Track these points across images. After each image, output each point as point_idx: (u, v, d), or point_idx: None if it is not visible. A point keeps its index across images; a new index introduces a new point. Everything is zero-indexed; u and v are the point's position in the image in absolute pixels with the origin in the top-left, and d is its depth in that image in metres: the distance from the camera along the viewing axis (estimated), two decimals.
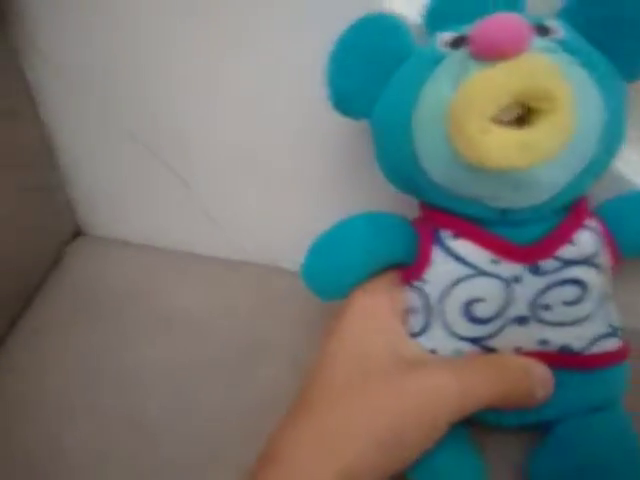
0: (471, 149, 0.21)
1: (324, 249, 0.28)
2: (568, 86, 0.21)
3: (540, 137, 0.20)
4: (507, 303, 0.25)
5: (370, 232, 0.27)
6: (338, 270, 0.27)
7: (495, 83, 0.20)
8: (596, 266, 0.25)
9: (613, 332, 0.25)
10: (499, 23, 0.21)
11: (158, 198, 0.39)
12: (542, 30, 0.23)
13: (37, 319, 0.37)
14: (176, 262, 0.39)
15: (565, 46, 0.23)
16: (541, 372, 0.24)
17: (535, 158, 0.20)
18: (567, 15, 0.24)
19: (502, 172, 0.21)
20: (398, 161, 0.25)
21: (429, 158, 0.23)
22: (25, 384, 0.34)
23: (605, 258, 0.25)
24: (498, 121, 0.21)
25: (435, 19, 0.26)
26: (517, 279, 0.24)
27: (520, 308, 0.25)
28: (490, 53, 0.21)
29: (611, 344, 0.25)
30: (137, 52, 0.34)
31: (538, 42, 0.22)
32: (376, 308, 0.26)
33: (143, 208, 0.40)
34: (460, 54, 0.23)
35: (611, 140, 0.23)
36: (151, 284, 0.38)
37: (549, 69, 0.21)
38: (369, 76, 0.25)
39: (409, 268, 0.26)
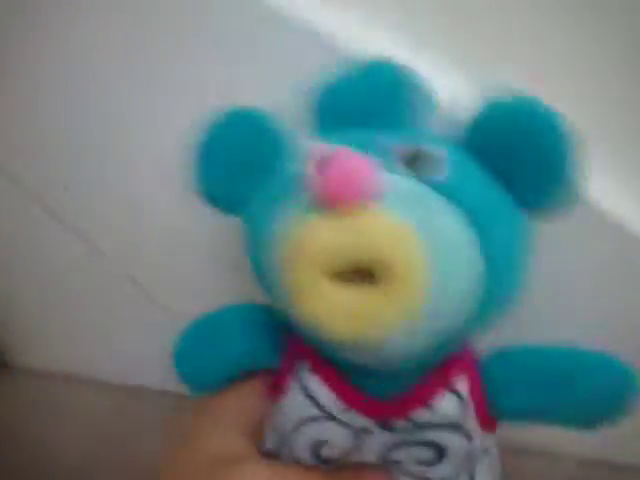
0: (298, 305, 0.18)
1: (202, 333, 0.25)
2: (418, 259, 0.17)
3: (371, 308, 0.17)
4: (356, 450, 0.22)
5: (243, 326, 0.25)
6: (206, 360, 0.25)
7: (321, 242, 0.17)
8: (459, 432, 0.21)
9: None
10: (337, 169, 0.17)
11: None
12: (421, 162, 0.19)
13: None
14: None
15: (443, 190, 0.19)
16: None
17: (368, 330, 0.17)
18: (466, 139, 0.20)
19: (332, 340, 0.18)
20: (257, 275, 0.23)
21: (272, 289, 0.21)
22: None
23: (472, 424, 0.21)
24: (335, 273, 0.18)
25: (322, 115, 0.22)
26: (367, 430, 0.22)
27: (370, 458, 0.22)
28: (321, 201, 0.17)
29: None
30: None
31: (404, 185, 0.18)
32: (223, 414, 0.25)
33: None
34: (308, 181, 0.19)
35: (495, 303, 0.20)
36: None
37: (392, 236, 0.17)
38: (238, 175, 0.22)
39: (272, 384, 0.24)
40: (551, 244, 0.22)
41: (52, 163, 0.32)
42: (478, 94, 0.20)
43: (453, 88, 0.22)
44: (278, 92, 0.23)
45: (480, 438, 0.22)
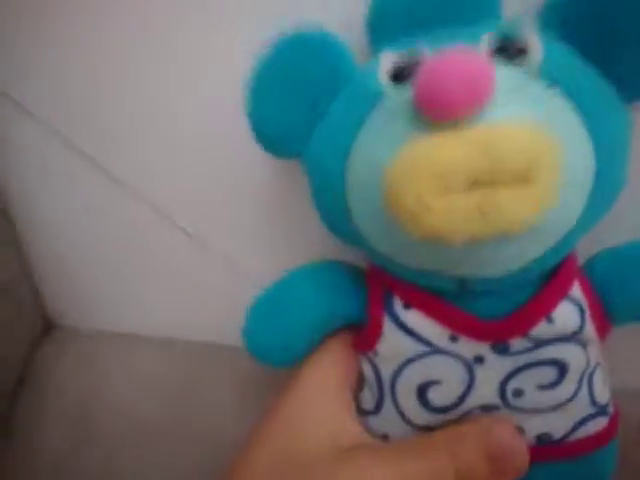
0: (412, 226, 0.16)
1: (267, 309, 0.23)
2: (554, 160, 0.16)
3: (504, 201, 0.15)
4: (470, 387, 0.20)
5: (316, 289, 0.23)
6: (281, 334, 0.23)
7: (443, 162, 0.15)
8: (579, 342, 0.20)
9: (599, 411, 0.21)
10: (448, 70, 0.15)
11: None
12: (513, 47, 0.18)
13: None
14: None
15: (542, 72, 0.17)
16: (503, 434, 0.19)
17: (500, 224, 0.16)
18: (551, 15, 0.19)
19: (455, 246, 0.16)
20: (334, 215, 0.21)
21: (365, 223, 0.19)
22: None
23: (590, 332, 0.20)
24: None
25: (381, 26, 0.20)
26: (480, 360, 0.20)
27: (485, 394, 0.20)
28: (437, 115, 0.16)
29: (597, 425, 0.21)
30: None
31: (505, 78, 0.17)
32: (320, 386, 0.22)
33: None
34: (402, 97, 0.17)
35: (605, 190, 0.18)
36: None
37: (525, 144, 0.15)
38: (297, 110, 0.20)
39: (362, 333, 0.22)
40: None
41: (107, 124, 0.29)
42: None
43: None
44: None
45: (595, 347, 0.21)
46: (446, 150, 0.15)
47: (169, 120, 0.28)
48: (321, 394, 0.22)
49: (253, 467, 0.21)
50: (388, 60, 0.19)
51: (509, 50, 0.18)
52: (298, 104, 0.20)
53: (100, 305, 0.37)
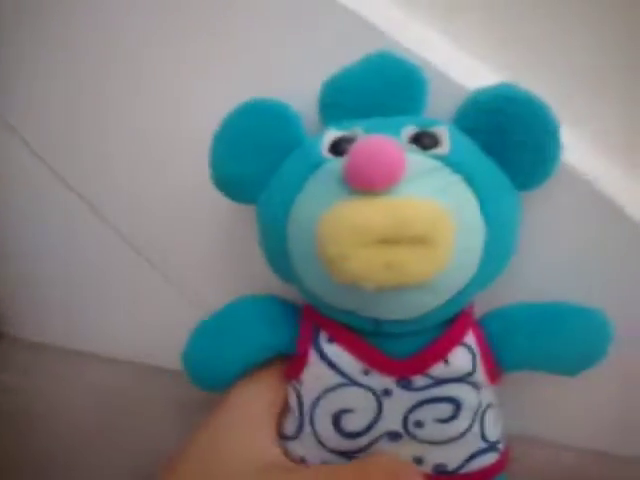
0: (335, 272, 0.20)
1: (204, 337, 0.26)
2: (448, 227, 0.20)
3: (407, 258, 0.19)
4: (377, 416, 0.24)
5: (252, 321, 0.26)
6: (217, 361, 0.26)
7: (362, 222, 0.19)
8: (471, 384, 0.24)
9: (489, 447, 0.25)
10: (371, 154, 0.19)
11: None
12: (427, 138, 0.22)
13: None
14: None
15: (448, 161, 0.21)
16: (409, 477, 0.22)
17: (402, 277, 0.19)
18: (461, 119, 0.23)
19: (366, 291, 0.20)
20: (275, 255, 0.24)
21: (301, 264, 0.22)
22: None
23: (481, 375, 0.24)
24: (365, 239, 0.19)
25: (329, 109, 0.24)
26: (387, 392, 0.24)
27: (391, 423, 0.24)
28: (358, 185, 0.20)
29: (486, 459, 0.25)
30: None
31: (416, 162, 0.21)
32: (246, 409, 0.25)
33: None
34: (336, 168, 0.21)
35: (496, 256, 0.22)
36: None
37: (425, 216, 0.19)
38: (254, 165, 0.24)
39: (291, 364, 0.25)
40: (535, 212, 0.25)
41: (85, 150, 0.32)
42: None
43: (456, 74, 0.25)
44: (311, 80, 0.24)
45: (488, 390, 0.24)
46: (363, 213, 0.19)
47: (138, 150, 0.31)
48: (245, 419, 0.25)
49: (178, 478, 0.23)
50: (330, 136, 0.23)
51: (424, 141, 0.22)
52: (256, 159, 0.24)
53: (51, 320, 0.39)
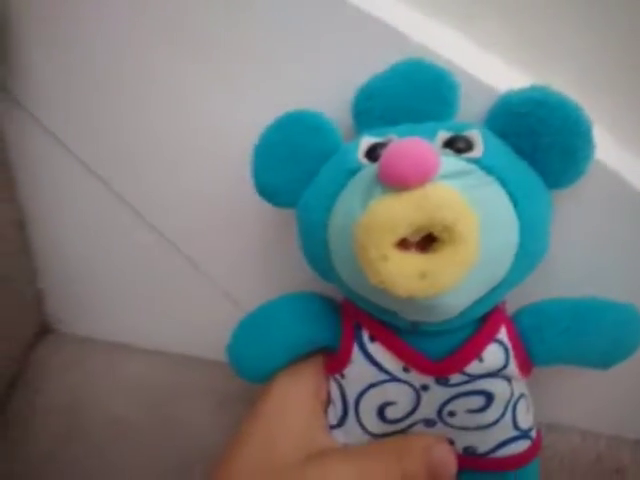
0: (372, 273, 0.21)
1: (249, 330, 0.28)
2: (472, 220, 0.20)
3: (440, 267, 0.20)
4: (416, 407, 0.25)
5: (296, 316, 0.27)
6: (262, 353, 0.27)
7: (394, 215, 0.20)
8: (504, 377, 0.25)
9: (522, 434, 0.26)
10: (404, 153, 0.20)
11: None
12: (460, 142, 0.23)
13: None
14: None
15: (481, 164, 0.22)
16: (441, 454, 0.25)
17: (434, 288, 0.20)
18: (493, 122, 0.24)
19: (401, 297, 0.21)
20: (315, 257, 0.25)
21: (341, 266, 0.23)
22: None
23: (514, 369, 0.25)
24: (403, 242, 0.20)
25: (363, 116, 0.25)
26: (426, 388, 0.25)
27: (427, 412, 0.25)
28: (391, 182, 0.20)
29: (519, 446, 0.26)
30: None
31: (450, 164, 0.22)
32: (295, 398, 0.26)
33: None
34: (371, 171, 0.22)
35: (528, 257, 0.23)
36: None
37: (452, 204, 0.20)
38: (292, 173, 0.25)
39: (333, 358, 0.27)
40: (566, 209, 0.26)
41: (120, 146, 0.34)
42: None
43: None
44: (344, 92, 0.25)
45: (519, 382, 0.25)
46: (395, 207, 0.20)
47: (184, 152, 0.33)
48: (297, 406, 0.26)
49: (231, 471, 0.25)
50: (366, 143, 0.24)
51: (458, 144, 0.23)
52: (294, 168, 0.25)
53: (96, 315, 0.41)
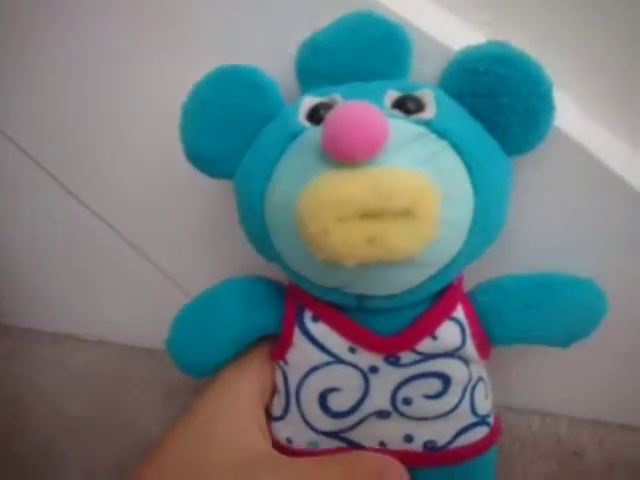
0: (316, 250, 0.19)
1: (190, 322, 0.25)
2: (433, 198, 0.18)
3: (390, 231, 0.18)
4: (365, 395, 0.23)
5: (239, 303, 0.25)
6: (204, 347, 0.25)
7: (342, 195, 0.18)
8: (461, 358, 0.23)
9: (479, 421, 0.24)
10: (350, 122, 0.18)
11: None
12: (410, 102, 0.21)
13: None
14: None
15: (432, 127, 0.20)
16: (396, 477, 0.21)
17: (385, 250, 0.18)
18: (447, 82, 0.22)
19: (347, 267, 0.19)
20: (255, 233, 0.23)
21: (280, 243, 0.21)
22: None
23: (471, 349, 0.23)
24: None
25: (307, 75, 0.23)
26: (375, 370, 0.23)
27: (379, 401, 0.23)
28: (337, 157, 0.18)
29: (476, 434, 0.24)
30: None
31: (399, 129, 0.19)
32: (235, 400, 0.24)
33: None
34: (314, 138, 0.20)
35: (485, 230, 0.21)
36: None
37: (407, 188, 0.18)
38: (228, 138, 0.23)
39: (276, 344, 0.25)
40: (526, 179, 0.24)
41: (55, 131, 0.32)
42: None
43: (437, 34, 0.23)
44: (288, 45, 0.23)
45: (478, 364, 0.24)
46: (344, 186, 0.18)
47: (118, 135, 0.30)
48: (232, 408, 0.24)
49: (160, 470, 0.22)
50: (307, 103, 0.22)
51: (408, 105, 0.21)
52: (230, 131, 0.22)
53: (39, 306, 0.39)
